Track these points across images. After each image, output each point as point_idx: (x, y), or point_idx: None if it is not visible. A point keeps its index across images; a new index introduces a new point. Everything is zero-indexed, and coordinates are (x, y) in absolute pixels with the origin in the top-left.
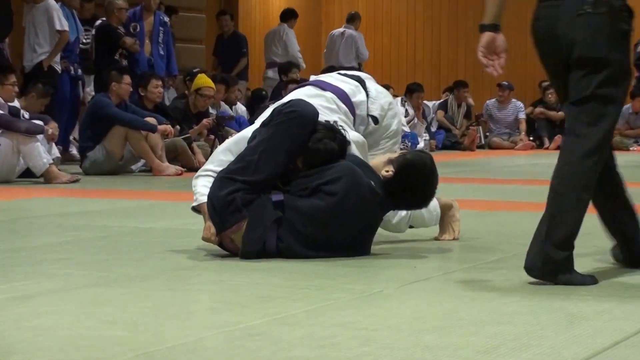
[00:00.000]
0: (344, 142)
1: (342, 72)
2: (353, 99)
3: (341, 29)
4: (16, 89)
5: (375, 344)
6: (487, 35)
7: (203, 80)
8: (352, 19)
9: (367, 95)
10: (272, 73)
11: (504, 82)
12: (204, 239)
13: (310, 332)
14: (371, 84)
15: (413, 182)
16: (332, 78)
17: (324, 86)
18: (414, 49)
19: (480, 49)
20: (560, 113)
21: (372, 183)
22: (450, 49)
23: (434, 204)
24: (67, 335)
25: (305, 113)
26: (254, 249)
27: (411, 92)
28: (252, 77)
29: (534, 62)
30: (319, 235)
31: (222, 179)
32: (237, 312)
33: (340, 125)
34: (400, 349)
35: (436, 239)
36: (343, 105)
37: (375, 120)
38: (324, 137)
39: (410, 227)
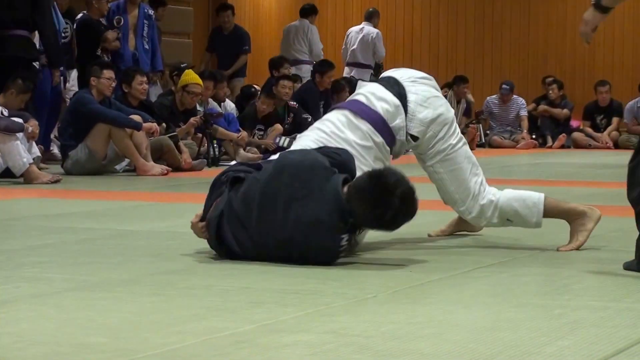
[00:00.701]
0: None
1: (383, 75)
2: (391, 124)
3: (360, 26)
4: None
5: (369, 352)
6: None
7: (190, 76)
8: (370, 16)
9: (406, 112)
10: (294, 71)
11: (505, 86)
12: (192, 227)
13: (301, 339)
14: (411, 94)
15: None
16: (371, 95)
17: (361, 113)
18: (410, 43)
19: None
20: (565, 111)
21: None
22: (449, 43)
23: (534, 199)
24: (48, 341)
25: (347, 167)
26: (211, 233)
27: None
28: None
29: (537, 57)
30: (247, 215)
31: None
32: (224, 318)
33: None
34: (395, 357)
35: (558, 249)
36: (379, 138)
37: (416, 138)
38: None
39: (509, 221)
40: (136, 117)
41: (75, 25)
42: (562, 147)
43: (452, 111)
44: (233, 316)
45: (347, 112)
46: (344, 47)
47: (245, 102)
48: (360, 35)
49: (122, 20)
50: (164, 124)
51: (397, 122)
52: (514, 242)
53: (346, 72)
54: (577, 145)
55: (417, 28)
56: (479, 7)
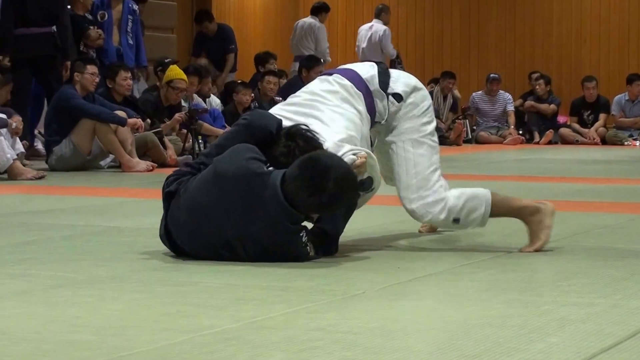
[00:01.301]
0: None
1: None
2: (364, 76)
3: (370, 24)
4: None
5: (358, 349)
6: None
7: (175, 72)
8: (379, 13)
9: (389, 77)
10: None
11: (494, 75)
12: None
13: (289, 336)
14: (396, 70)
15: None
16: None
17: (330, 71)
18: (396, 39)
19: None
20: (552, 106)
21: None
22: (435, 39)
23: (482, 196)
24: (33, 339)
25: (254, 124)
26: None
27: None
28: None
29: (524, 51)
30: (186, 223)
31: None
32: (212, 315)
33: (311, 132)
34: (384, 354)
35: (521, 250)
36: (347, 82)
37: (399, 97)
38: (281, 155)
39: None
40: (120, 113)
41: None
42: (550, 143)
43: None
44: (220, 313)
45: (318, 79)
46: (357, 45)
47: (229, 97)
48: (369, 33)
49: (106, 16)
50: (148, 120)
51: (370, 72)
52: (503, 238)
53: None
54: (565, 141)
55: (403, 24)
56: (465, 2)
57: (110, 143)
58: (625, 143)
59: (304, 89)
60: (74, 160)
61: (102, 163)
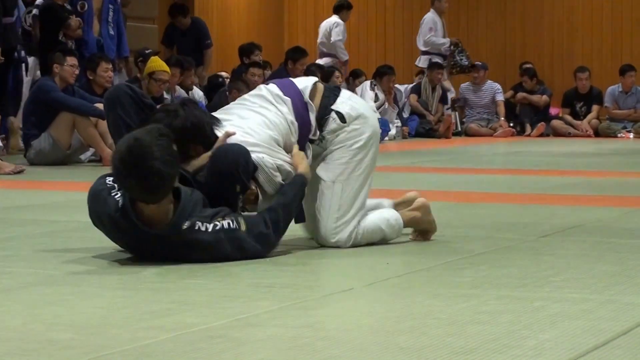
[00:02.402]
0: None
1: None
2: (300, 86)
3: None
4: None
5: (346, 346)
6: None
7: (157, 63)
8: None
9: (337, 96)
10: (322, 63)
11: (478, 62)
12: None
13: (276, 334)
14: (348, 92)
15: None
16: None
17: (268, 80)
18: (384, 30)
19: None
20: (544, 97)
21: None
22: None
23: (395, 215)
24: (12, 337)
25: (108, 95)
26: None
27: (381, 75)
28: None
29: (514, 41)
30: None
31: None
32: (196, 312)
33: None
34: (372, 351)
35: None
36: (274, 87)
37: (342, 117)
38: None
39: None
40: (101, 106)
41: (37, 10)
42: (541, 135)
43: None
44: (205, 310)
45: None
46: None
47: (213, 92)
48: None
49: (86, 6)
50: None
51: (305, 83)
52: (494, 234)
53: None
54: (557, 134)
55: (390, 14)
56: None
57: (90, 137)
58: (619, 135)
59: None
60: (54, 154)
61: (83, 157)
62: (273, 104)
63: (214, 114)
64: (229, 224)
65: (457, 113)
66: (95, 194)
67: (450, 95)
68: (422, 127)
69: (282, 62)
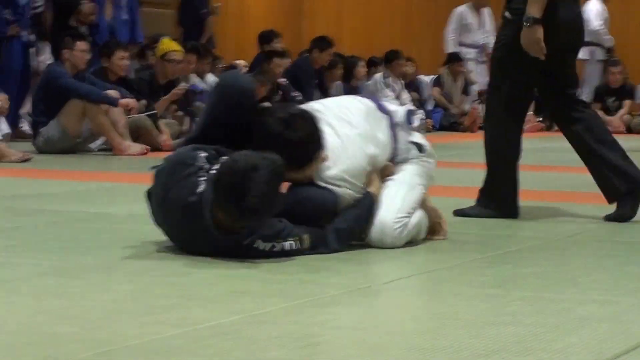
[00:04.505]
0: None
1: None
2: (390, 108)
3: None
4: None
5: (362, 346)
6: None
7: (167, 44)
8: None
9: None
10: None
11: None
12: None
13: (289, 332)
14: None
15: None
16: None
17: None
18: (408, 18)
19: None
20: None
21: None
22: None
23: (425, 215)
24: (17, 330)
25: (226, 86)
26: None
27: (391, 61)
28: (225, 46)
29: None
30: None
31: None
32: (206, 308)
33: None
34: (389, 352)
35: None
36: (370, 103)
37: (420, 148)
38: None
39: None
40: (113, 93)
41: None
42: None
43: None
44: (216, 306)
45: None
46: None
47: None
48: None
49: None
50: (144, 101)
51: (400, 116)
52: (519, 232)
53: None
54: None
55: (416, 2)
56: None
57: (101, 125)
58: None
59: (328, 99)
60: (63, 142)
61: (92, 145)
62: (370, 123)
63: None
64: (290, 245)
65: (483, 106)
66: (180, 161)
67: (476, 88)
68: (446, 120)
69: (302, 50)
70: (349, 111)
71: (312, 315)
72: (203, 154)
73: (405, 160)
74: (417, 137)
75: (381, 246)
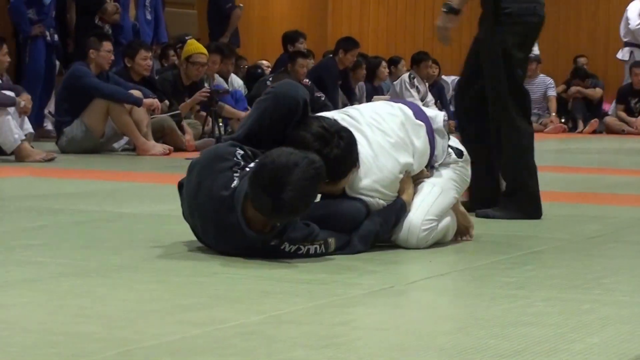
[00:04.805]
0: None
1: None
2: (429, 113)
3: None
4: None
5: (384, 345)
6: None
7: (194, 46)
8: None
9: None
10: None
11: (531, 54)
12: None
13: (312, 331)
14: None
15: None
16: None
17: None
18: (432, 17)
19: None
20: (598, 89)
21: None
22: (474, 16)
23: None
24: (39, 329)
25: (282, 94)
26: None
27: (418, 63)
28: (249, 47)
29: (568, 33)
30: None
31: None
32: (229, 307)
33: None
34: (411, 352)
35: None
36: (408, 110)
37: (459, 153)
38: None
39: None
40: (136, 93)
41: None
42: (594, 132)
43: None
44: (239, 306)
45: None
46: (622, 23)
47: (252, 83)
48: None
49: None
50: (166, 102)
51: (434, 111)
52: (542, 233)
53: (621, 54)
54: (610, 131)
55: (439, 2)
56: None
57: (124, 124)
58: None
59: (364, 104)
60: (86, 142)
61: (116, 145)
62: (405, 130)
63: (348, 119)
64: (315, 249)
65: None
66: (218, 155)
67: None
68: None
69: (326, 51)
70: (383, 119)
71: (336, 316)
72: (240, 152)
73: (442, 165)
74: (456, 142)
75: (405, 246)
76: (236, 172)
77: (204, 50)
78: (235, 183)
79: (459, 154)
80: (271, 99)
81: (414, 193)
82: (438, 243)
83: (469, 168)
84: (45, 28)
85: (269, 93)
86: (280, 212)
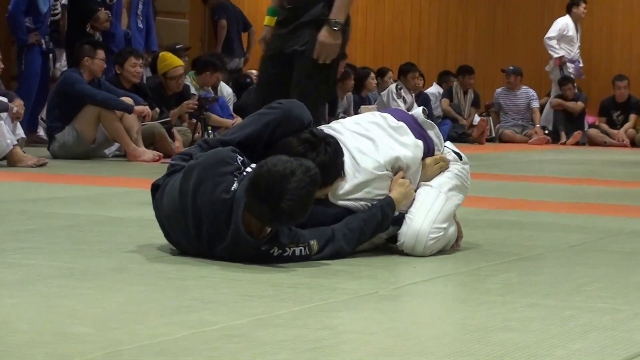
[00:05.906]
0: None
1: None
2: (410, 112)
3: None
4: None
5: (369, 350)
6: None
7: (167, 62)
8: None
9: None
10: None
11: (509, 67)
12: None
13: (297, 335)
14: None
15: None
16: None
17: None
18: (418, 31)
19: None
20: (579, 103)
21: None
22: (459, 32)
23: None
24: (29, 330)
25: (293, 114)
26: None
27: (405, 74)
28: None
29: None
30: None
31: None
32: (216, 310)
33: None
34: (395, 356)
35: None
36: (387, 114)
37: (459, 155)
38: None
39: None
40: (127, 100)
41: (66, 0)
42: (577, 144)
43: None
44: (225, 309)
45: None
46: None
47: (241, 92)
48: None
49: None
50: (157, 109)
51: (420, 115)
52: (525, 241)
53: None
54: (592, 143)
55: (426, 15)
56: None
57: (115, 131)
58: None
59: (347, 118)
60: (77, 147)
61: (107, 151)
62: (390, 135)
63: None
64: (300, 251)
65: (491, 118)
66: (221, 159)
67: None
68: (454, 132)
69: None
70: (364, 128)
71: (322, 320)
72: (240, 157)
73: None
74: (453, 146)
75: (411, 253)
76: (236, 176)
77: (179, 62)
78: (235, 186)
79: (458, 157)
80: (279, 115)
81: (415, 196)
82: None
83: (469, 171)
84: (40, 36)
85: (276, 108)
86: (279, 220)
